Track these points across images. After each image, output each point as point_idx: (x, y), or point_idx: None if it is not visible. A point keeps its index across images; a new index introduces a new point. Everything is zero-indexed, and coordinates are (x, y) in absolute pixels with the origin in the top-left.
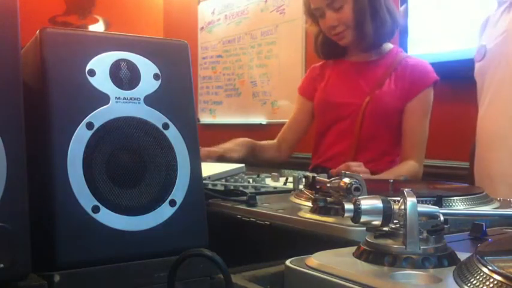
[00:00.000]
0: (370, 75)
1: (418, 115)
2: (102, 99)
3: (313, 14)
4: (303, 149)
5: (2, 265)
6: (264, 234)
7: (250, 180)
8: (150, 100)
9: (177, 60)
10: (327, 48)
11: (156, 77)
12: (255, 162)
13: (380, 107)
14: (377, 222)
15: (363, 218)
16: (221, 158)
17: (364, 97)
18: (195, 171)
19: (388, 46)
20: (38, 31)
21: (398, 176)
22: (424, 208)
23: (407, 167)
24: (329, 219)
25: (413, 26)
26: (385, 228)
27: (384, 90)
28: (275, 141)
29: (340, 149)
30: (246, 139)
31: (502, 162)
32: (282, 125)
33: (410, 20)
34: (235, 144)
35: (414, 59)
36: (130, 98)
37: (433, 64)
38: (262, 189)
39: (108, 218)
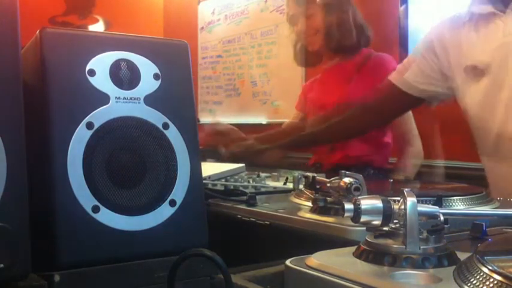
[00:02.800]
0: (343, 75)
1: None
2: (102, 99)
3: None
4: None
5: (2, 265)
6: (264, 234)
7: (250, 180)
8: (150, 100)
9: (177, 60)
10: (301, 56)
11: (156, 77)
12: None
13: (351, 102)
14: (377, 222)
15: (363, 218)
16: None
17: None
18: (195, 171)
19: (360, 49)
20: (38, 31)
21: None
22: (424, 208)
23: (417, 150)
24: (329, 219)
25: (414, 26)
26: (385, 228)
27: (352, 85)
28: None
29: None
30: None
31: None
32: (282, 124)
33: (411, 20)
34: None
35: (379, 53)
36: (130, 98)
37: None
38: (262, 189)
39: (108, 218)
